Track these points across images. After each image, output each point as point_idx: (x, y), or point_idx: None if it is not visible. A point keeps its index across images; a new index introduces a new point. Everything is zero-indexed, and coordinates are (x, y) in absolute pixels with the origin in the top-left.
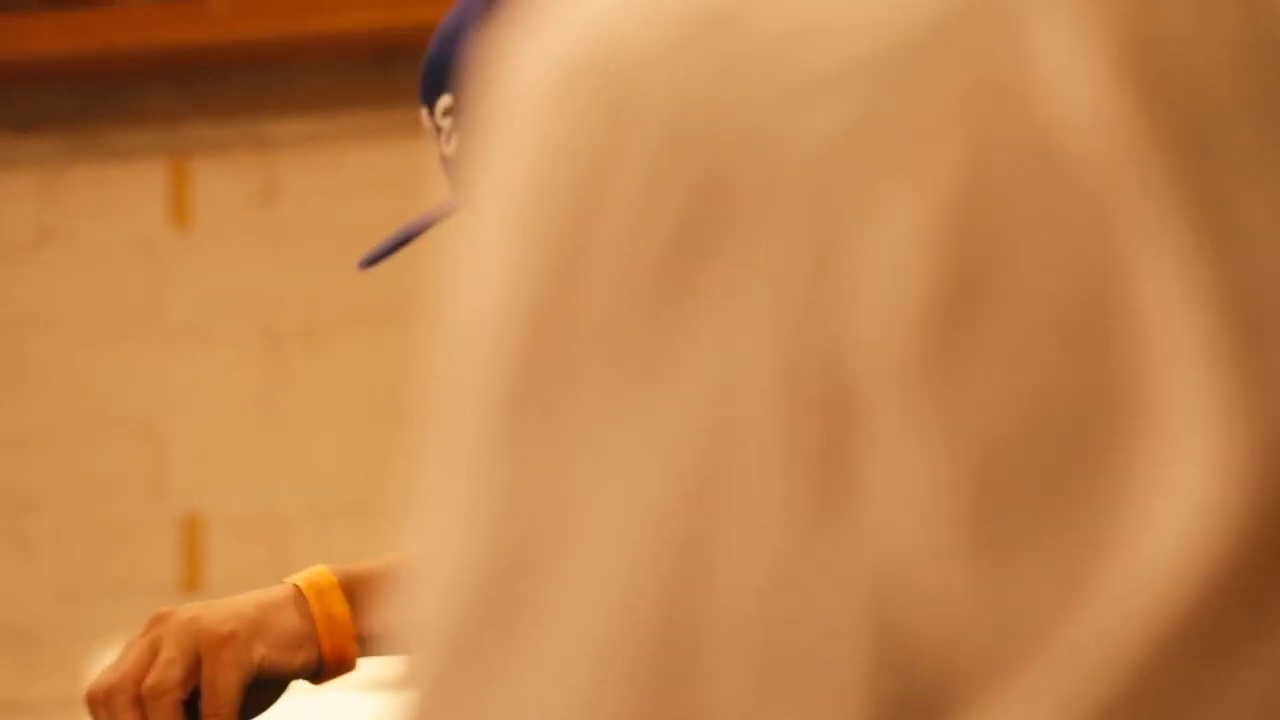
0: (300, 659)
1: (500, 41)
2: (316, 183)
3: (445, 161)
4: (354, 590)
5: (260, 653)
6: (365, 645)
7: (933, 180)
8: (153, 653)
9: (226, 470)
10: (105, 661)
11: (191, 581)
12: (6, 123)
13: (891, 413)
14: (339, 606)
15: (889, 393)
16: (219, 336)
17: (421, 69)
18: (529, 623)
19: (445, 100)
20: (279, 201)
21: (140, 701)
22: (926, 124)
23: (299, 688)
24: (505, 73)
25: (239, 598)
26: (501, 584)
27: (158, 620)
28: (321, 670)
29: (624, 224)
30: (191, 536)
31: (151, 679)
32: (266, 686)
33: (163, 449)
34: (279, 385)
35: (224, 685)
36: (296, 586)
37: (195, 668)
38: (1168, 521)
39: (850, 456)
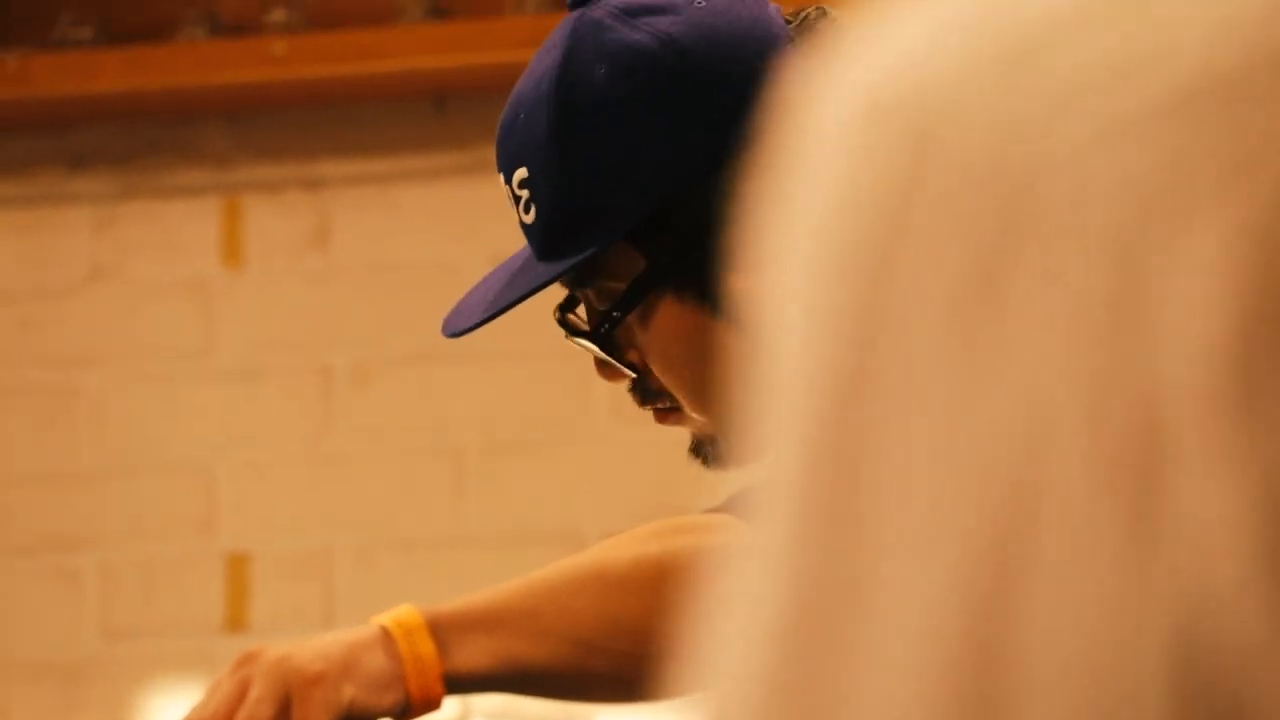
0: (388, 700)
1: (796, 83)
2: (369, 224)
3: (525, 229)
4: (440, 630)
5: (349, 693)
6: (451, 685)
7: (1243, 213)
8: (241, 691)
9: (275, 509)
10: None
11: (237, 620)
12: (62, 159)
13: (1198, 444)
14: (426, 647)
15: (1196, 424)
16: (270, 376)
17: (497, 138)
18: (837, 662)
19: (521, 172)
20: (331, 242)
21: None
22: (1241, 158)
23: None
24: (805, 111)
25: (327, 637)
26: (811, 626)
27: (247, 659)
28: (409, 710)
29: (928, 258)
30: (238, 575)
31: (241, 717)
32: None
33: (212, 488)
34: (329, 425)
35: None
36: (384, 627)
37: (284, 707)
38: None
39: (1157, 487)
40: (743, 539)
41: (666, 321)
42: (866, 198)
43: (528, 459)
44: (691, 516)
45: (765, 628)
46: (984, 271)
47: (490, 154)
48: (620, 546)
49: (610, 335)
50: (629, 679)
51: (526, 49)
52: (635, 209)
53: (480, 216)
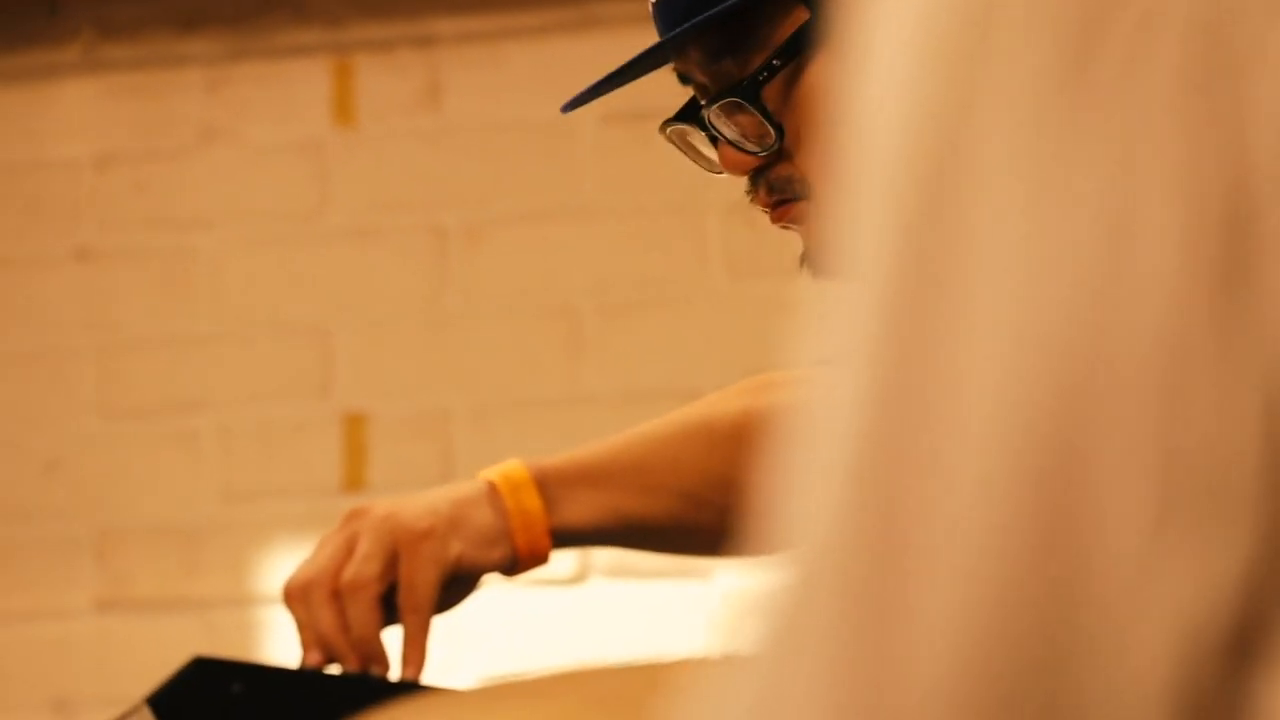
0: (495, 554)
1: None
2: (479, 81)
3: (657, 6)
4: (546, 484)
5: (456, 549)
6: (558, 540)
7: None
8: (349, 548)
9: (391, 370)
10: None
11: (355, 480)
12: (173, 21)
13: None
14: (532, 501)
15: None
16: (384, 236)
17: None
18: (921, 447)
19: None
20: (442, 101)
21: (338, 596)
22: None
23: (492, 582)
24: None
25: (433, 493)
26: (901, 399)
27: (354, 515)
28: (516, 565)
29: (1015, 48)
30: (355, 435)
31: (349, 573)
32: (461, 581)
33: (328, 349)
34: (444, 285)
35: (422, 581)
36: (490, 482)
37: (392, 563)
38: None
39: (1247, 260)
40: (826, 370)
41: (818, 81)
42: None
43: (643, 317)
44: (800, 369)
45: (847, 433)
46: (1071, 58)
47: (600, 9)
48: (727, 400)
49: (762, 88)
50: (735, 532)
51: None
52: None
53: (592, 73)
